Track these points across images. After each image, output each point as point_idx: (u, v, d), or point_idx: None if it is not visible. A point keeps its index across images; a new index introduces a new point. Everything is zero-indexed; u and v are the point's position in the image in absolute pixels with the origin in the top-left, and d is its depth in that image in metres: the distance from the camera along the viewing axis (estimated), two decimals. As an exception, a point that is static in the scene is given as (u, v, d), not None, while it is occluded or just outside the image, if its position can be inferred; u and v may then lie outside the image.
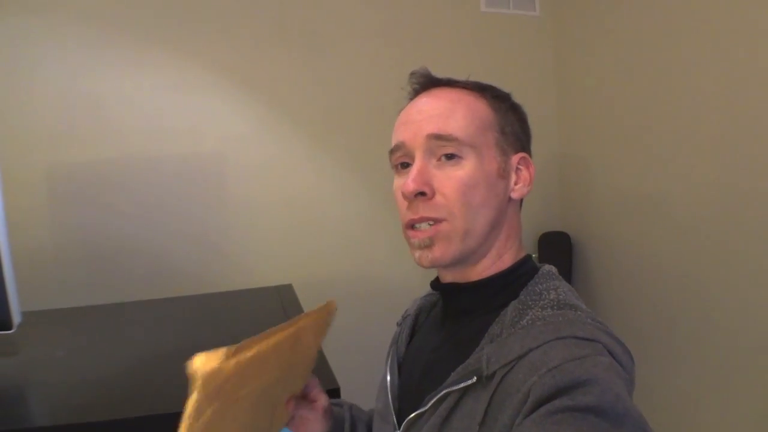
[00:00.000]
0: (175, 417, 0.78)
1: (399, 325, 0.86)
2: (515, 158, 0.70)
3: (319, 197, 2.17)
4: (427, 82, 0.73)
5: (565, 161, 2.48)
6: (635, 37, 2.01)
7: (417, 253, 0.67)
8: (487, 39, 2.38)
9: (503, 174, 0.68)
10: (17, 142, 1.77)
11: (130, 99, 1.92)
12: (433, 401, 0.63)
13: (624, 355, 0.60)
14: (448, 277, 0.72)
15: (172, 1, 1.95)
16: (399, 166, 0.70)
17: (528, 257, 0.73)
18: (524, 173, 0.71)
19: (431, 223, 0.65)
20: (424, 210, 0.65)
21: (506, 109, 0.71)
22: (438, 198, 0.65)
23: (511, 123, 0.71)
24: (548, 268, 0.70)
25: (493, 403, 0.57)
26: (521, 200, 0.73)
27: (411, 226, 0.67)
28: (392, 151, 0.71)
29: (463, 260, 0.68)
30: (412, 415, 0.66)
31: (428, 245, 0.66)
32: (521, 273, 0.70)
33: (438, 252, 0.65)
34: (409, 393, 0.73)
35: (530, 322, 0.60)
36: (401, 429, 0.68)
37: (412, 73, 0.74)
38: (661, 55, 1.89)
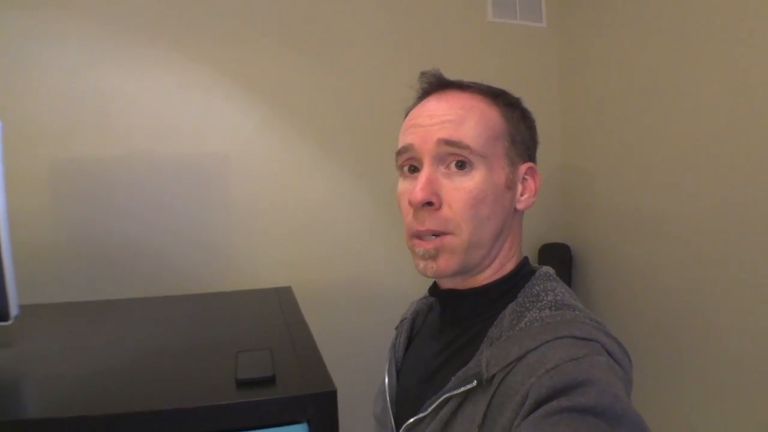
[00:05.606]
0: (169, 414, 0.78)
1: (397, 329, 0.86)
2: (523, 168, 0.69)
3: (322, 201, 2.17)
4: (437, 83, 0.72)
5: (568, 172, 2.48)
6: (641, 52, 2.01)
7: (421, 264, 0.66)
8: (492, 48, 2.39)
9: (510, 185, 0.68)
10: (20, 138, 1.76)
11: (134, 97, 1.92)
12: (433, 406, 0.62)
13: (622, 354, 0.60)
14: (448, 283, 0.71)
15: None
16: (405, 169, 0.69)
17: (526, 260, 0.73)
18: (530, 184, 0.70)
19: (437, 234, 0.65)
20: (430, 222, 0.64)
21: (518, 117, 0.70)
22: (445, 210, 0.64)
23: (521, 132, 0.70)
24: (546, 269, 0.70)
25: (492, 406, 0.56)
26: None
27: (416, 235, 0.66)
28: (399, 153, 0.69)
29: (466, 271, 0.68)
30: (411, 420, 0.66)
31: (433, 256, 0.65)
32: (520, 278, 0.69)
33: (442, 263, 0.65)
34: (407, 398, 0.72)
35: (528, 323, 0.60)
36: None
37: (423, 73, 0.72)
38: (667, 70, 1.89)
